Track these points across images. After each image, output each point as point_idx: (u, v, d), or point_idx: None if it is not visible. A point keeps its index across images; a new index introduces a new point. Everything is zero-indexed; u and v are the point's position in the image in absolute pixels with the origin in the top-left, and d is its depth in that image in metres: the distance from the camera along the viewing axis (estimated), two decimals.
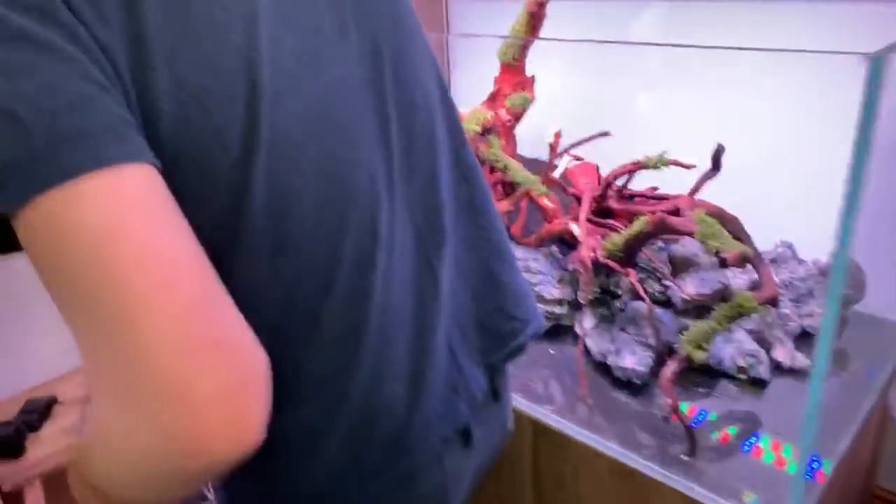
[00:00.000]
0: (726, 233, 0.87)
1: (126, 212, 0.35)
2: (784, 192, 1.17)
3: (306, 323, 0.50)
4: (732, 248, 0.83)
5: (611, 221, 1.04)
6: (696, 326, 0.87)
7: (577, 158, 1.18)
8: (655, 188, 1.10)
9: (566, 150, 1.06)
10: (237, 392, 0.36)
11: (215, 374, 0.35)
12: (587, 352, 1.02)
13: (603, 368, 0.99)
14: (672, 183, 1.03)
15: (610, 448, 0.86)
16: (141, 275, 0.35)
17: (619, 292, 1.06)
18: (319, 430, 0.52)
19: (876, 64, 0.51)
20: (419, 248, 0.57)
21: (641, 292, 0.91)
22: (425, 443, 0.56)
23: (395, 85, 0.56)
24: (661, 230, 0.92)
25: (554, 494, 0.95)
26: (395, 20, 0.58)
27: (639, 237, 0.95)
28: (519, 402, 0.95)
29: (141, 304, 0.34)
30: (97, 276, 0.34)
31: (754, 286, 1.02)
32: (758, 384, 0.94)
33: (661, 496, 0.81)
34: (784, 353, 0.96)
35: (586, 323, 1.05)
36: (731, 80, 1.16)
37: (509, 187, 1.20)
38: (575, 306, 1.08)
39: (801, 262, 1.08)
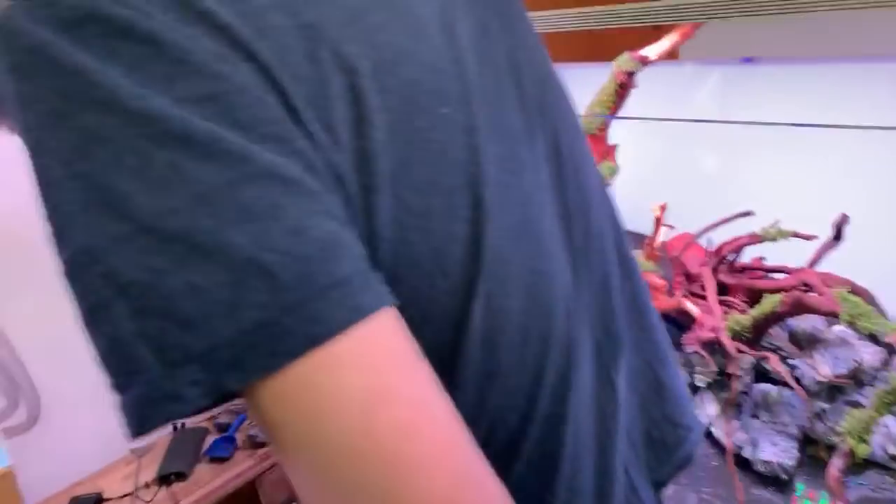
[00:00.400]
0: (875, 311, 0.81)
1: (389, 368, 0.31)
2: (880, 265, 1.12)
3: (505, 457, 0.44)
4: (893, 330, 0.77)
5: (728, 298, 0.97)
6: (853, 416, 0.80)
7: (670, 227, 1.12)
8: (762, 258, 1.05)
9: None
10: None
11: None
12: (714, 442, 0.94)
13: (739, 460, 0.91)
14: (775, 253, 0.98)
15: None
16: (415, 443, 0.30)
17: (740, 374, 0.99)
18: None
19: None
20: (598, 360, 0.52)
21: (790, 380, 0.84)
22: None
23: (573, 186, 0.52)
24: (797, 310, 0.86)
25: None
26: (568, 115, 0.54)
27: (770, 317, 0.89)
28: None
29: (415, 474, 0.29)
30: (365, 445, 0.29)
31: (885, 363, 0.95)
32: None
33: None
34: None
35: (709, 410, 0.97)
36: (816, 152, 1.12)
37: None
38: (692, 390, 1.01)
39: None
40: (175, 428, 1.77)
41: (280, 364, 0.28)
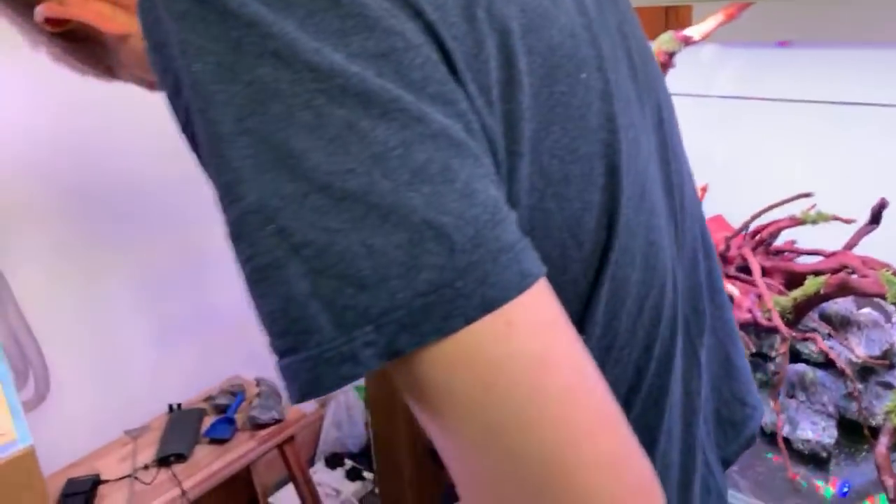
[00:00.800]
0: None
1: (553, 335, 0.31)
2: None
3: None
4: None
5: (767, 280, 0.98)
6: None
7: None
8: (794, 242, 1.06)
9: (763, 211, 1.01)
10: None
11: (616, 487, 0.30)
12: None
13: (773, 439, 0.92)
14: (806, 236, 1.00)
15: None
16: (580, 409, 0.30)
17: (773, 354, 1.00)
18: None
19: None
20: (687, 336, 0.51)
21: (837, 360, 0.85)
22: None
23: (675, 157, 0.52)
24: (842, 292, 0.87)
25: None
26: (665, 85, 0.54)
27: (813, 299, 0.90)
28: None
29: (580, 440, 0.29)
30: (531, 411, 0.29)
31: None
32: None
33: None
34: None
35: None
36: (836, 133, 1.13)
37: None
38: None
39: None
40: (171, 409, 1.73)
41: (455, 327, 0.28)
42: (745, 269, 1.02)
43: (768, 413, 0.94)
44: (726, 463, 0.59)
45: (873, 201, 0.90)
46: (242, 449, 1.62)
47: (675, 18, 1.57)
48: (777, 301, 0.92)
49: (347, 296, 0.27)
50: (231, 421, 1.68)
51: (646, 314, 0.44)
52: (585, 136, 0.38)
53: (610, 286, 0.40)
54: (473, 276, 0.28)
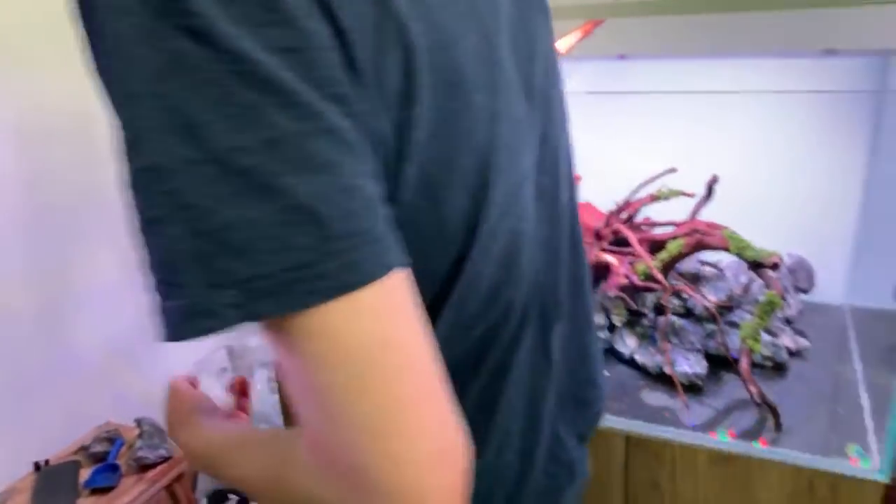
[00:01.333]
0: (753, 244, 1.06)
1: (396, 319, 0.35)
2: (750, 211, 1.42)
3: (456, 398, 0.47)
4: (769, 255, 1.02)
5: (632, 249, 1.18)
6: (746, 324, 1.03)
7: None
8: (648, 218, 1.27)
9: (640, 186, 1.19)
10: (456, 496, 0.37)
11: (445, 482, 0.36)
12: (639, 366, 1.14)
13: (659, 378, 1.11)
14: (656, 213, 1.22)
15: (706, 439, 0.98)
16: (406, 385, 0.34)
17: (646, 311, 1.20)
18: None
19: None
20: (539, 322, 0.57)
21: (708, 304, 1.06)
22: None
23: (548, 171, 0.56)
24: (697, 249, 1.09)
25: (648, 499, 1.04)
26: (561, 103, 0.59)
27: (676, 258, 1.11)
28: (609, 420, 1.03)
29: (397, 415, 0.34)
30: (364, 382, 0.33)
31: (746, 289, 1.23)
32: (780, 367, 1.13)
33: (763, 470, 0.94)
34: (789, 339, 1.17)
35: (629, 342, 1.17)
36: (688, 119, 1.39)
37: None
38: (610, 329, 1.20)
39: None
40: (38, 467, 1.57)
41: (313, 302, 0.31)
42: (617, 243, 1.22)
43: (652, 356, 1.13)
44: (583, 438, 0.63)
45: (706, 178, 1.13)
46: (132, 493, 1.53)
47: None
48: (643, 265, 1.11)
49: (220, 260, 0.30)
50: (115, 467, 1.57)
51: (497, 302, 0.49)
52: (468, 150, 0.42)
53: (465, 277, 0.44)
54: (338, 262, 0.31)
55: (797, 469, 0.93)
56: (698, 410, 1.05)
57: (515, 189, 0.48)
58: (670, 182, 1.19)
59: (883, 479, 0.89)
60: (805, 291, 1.30)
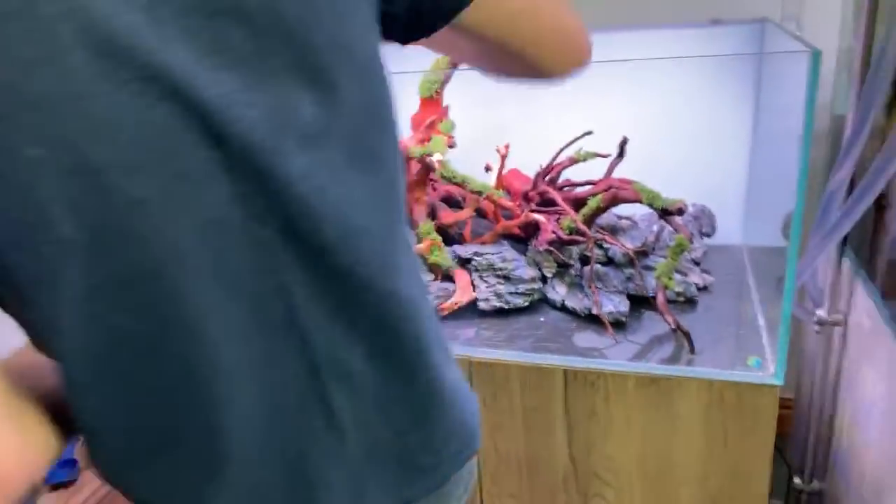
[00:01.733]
0: (661, 194, 1.20)
1: None
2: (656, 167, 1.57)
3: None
4: (675, 203, 1.16)
5: (558, 208, 1.30)
6: (660, 265, 1.18)
7: (489, 169, 1.43)
8: (568, 180, 1.40)
9: (561, 150, 1.30)
10: None
11: None
12: (570, 311, 1.27)
13: (587, 318, 1.25)
14: (575, 174, 1.35)
15: (634, 367, 1.12)
16: None
17: (573, 262, 1.33)
18: None
19: (816, 57, 0.86)
20: (313, 386, 0.52)
21: (626, 250, 1.20)
22: None
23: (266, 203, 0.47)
24: (614, 202, 1.22)
25: (587, 424, 1.18)
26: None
27: (597, 212, 1.24)
28: (547, 358, 1.16)
29: None
30: None
31: (657, 237, 1.38)
32: (690, 301, 1.29)
33: (682, 387, 1.10)
34: (697, 277, 1.33)
35: (560, 290, 1.30)
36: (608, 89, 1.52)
37: (451, 202, 1.40)
38: (542, 280, 1.33)
39: None
40: None
41: None
42: (544, 203, 1.34)
43: (580, 300, 1.26)
44: (410, 500, 0.58)
45: (618, 140, 1.27)
46: (92, 487, 1.55)
47: None
48: (569, 221, 1.24)
49: None
50: (73, 462, 1.59)
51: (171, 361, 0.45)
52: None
53: (103, 351, 0.44)
54: None
55: (710, 382, 1.08)
56: (624, 343, 1.19)
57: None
58: (586, 145, 1.32)
59: (778, 382, 1.06)
60: (708, 235, 1.47)
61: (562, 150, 1.31)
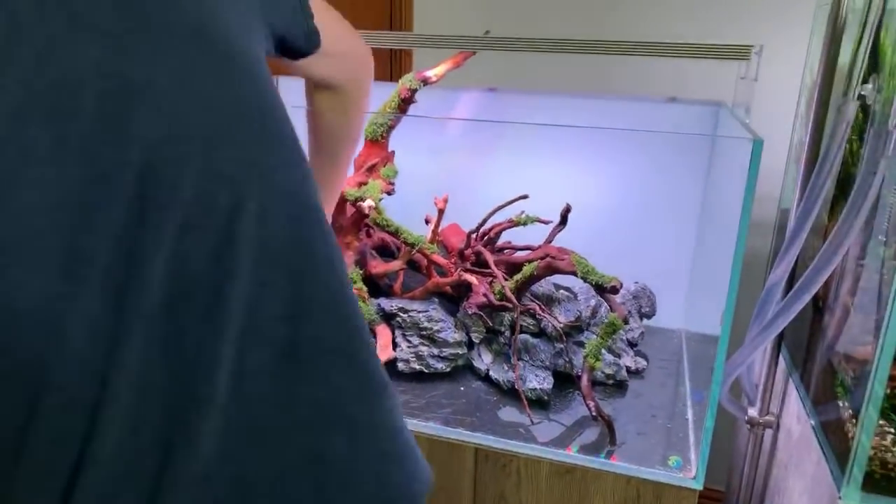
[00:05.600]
0: (597, 269, 1.14)
1: None
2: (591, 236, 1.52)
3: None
4: (610, 280, 1.10)
5: (493, 270, 1.23)
6: (590, 343, 1.11)
7: (428, 221, 1.35)
8: (509, 242, 1.34)
9: (493, 211, 1.24)
10: None
11: None
12: (493, 382, 1.19)
13: (510, 393, 1.16)
14: (517, 237, 1.29)
15: (549, 452, 1.03)
16: None
17: (503, 329, 1.25)
18: None
19: (757, 146, 0.82)
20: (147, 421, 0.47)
21: (556, 323, 1.12)
22: None
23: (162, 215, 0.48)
24: (549, 272, 1.15)
25: None
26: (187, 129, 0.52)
27: (529, 279, 1.17)
28: (461, 434, 1.07)
29: None
30: None
31: (594, 312, 1.32)
32: (620, 385, 1.22)
33: (598, 480, 1.01)
34: (630, 360, 1.26)
35: (485, 358, 1.21)
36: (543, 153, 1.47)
37: (386, 251, 1.32)
38: (468, 346, 1.24)
39: None
40: None
41: None
42: (478, 264, 1.27)
43: (505, 372, 1.18)
44: None
45: (561, 207, 1.21)
46: None
47: (397, 61, 1.83)
48: (500, 286, 1.17)
49: None
50: None
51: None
52: None
53: None
54: None
55: (627, 478, 1.00)
56: (545, 425, 1.11)
57: None
58: (531, 209, 1.26)
59: (697, 486, 0.98)
60: (648, 317, 1.41)
61: (494, 211, 1.25)
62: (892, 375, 0.82)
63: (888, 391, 0.80)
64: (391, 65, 1.83)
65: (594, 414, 1.05)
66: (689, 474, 0.99)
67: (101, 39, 0.43)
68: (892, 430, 0.84)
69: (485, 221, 1.26)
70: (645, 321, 1.41)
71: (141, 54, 0.45)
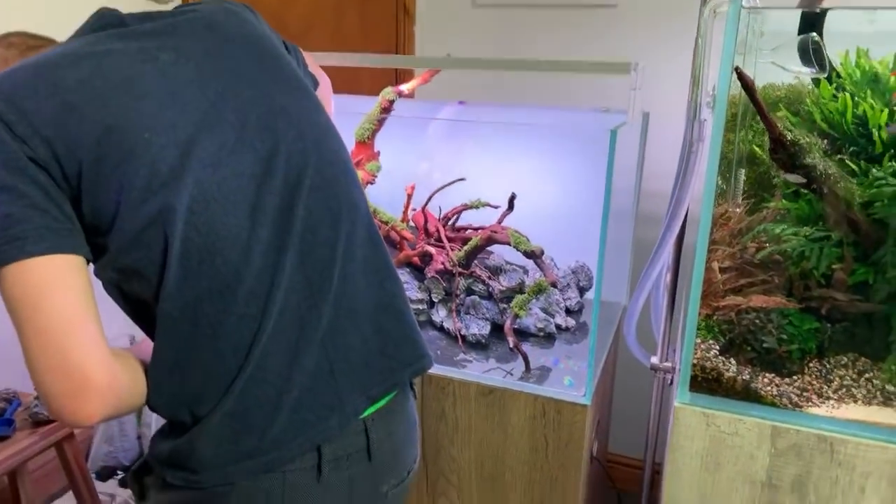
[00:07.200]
0: (528, 240, 1.43)
1: (37, 291, 0.62)
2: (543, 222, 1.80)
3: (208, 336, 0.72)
4: (536, 248, 1.39)
5: (452, 245, 1.54)
6: (518, 298, 1.40)
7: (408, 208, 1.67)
8: (470, 223, 1.64)
9: (432, 195, 1.55)
10: (70, 395, 0.62)
11: (57, 385, 0.62)
12: (445, 331, 1.48)
13: (457, 339, 1.46)
14: (475, 219, 1.59)
15: (477, 377, 1.32)
16: (43, 336, 0.62)
17: (458, 292, 1.55)
18: (209, 411, 0.73)
19: (613, 135, 1.11)
20: (308, 291, 0.76)
21: (494, 285, 1.42)
22: (292, 442, 0.74)
23: (280, 176, 0.77)
24: (489, 243, 1.46)
25: (437, 425, 1.37)
26: (295, 132, 0.82)
27: (476, 249, 1.47)
28: None
29: (32, 340, 0.62)
30: (21, 329, 0.62)
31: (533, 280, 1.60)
32: (549, 337, 1.50)
33: (513, 399, 1.29)
34: (561, 319, 1.54)
35: (441, 313, 1.51)
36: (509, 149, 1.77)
37: None
38: (430, 304, 1.54)
39: (558, 266, 1.70)
40: None
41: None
42: (440, 239, 1.58)
43: (455, 323, 1.47)
44: (372, 398, 0.81)
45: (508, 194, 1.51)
46: (24, 443, 1.72)
47: (402, 78, 2.17)
48: (458, 255, 1.47)
49: None
50: (10, 421, 1.77)
51: (219, 266, 0.71)
52: (136, 182, 0.67)
53: (180, 258, 0.69)
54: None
55: (535, 397, 1.28)
56: (480, 361, 1.39)
57: (212, 195, 0.71)
58: (486, 194, 1.56)
59: (587, 402, 1.25)
60: (586, 290, 1.69)
61: (434, 193, 1.57)
62: (714, 306, 1.09)
63: (702, 317, 1.07)
64: (396, 80, 2.17)
65: (511, 347, 1.33)
66: (580, 393, 1.26)
67: (253, 86, 0.77)
68: (712, 342, 1.10)
69: (427, 202, 1.57)
70: (588, 295, 1.68)
71: (276, 92, 0.79)
